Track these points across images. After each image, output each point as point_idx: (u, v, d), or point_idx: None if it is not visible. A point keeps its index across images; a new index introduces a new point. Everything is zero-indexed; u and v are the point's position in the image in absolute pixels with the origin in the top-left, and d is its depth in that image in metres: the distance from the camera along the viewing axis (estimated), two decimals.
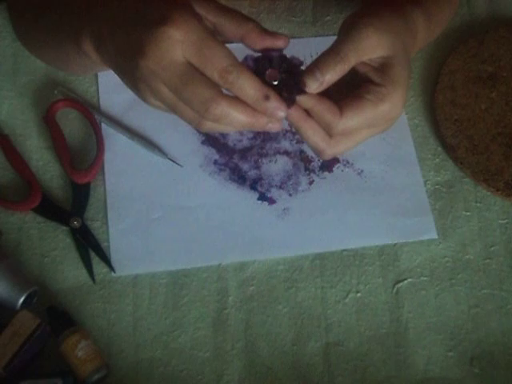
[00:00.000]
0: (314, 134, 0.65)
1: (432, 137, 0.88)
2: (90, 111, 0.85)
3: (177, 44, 0.58)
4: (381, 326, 0.77)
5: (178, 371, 0.74)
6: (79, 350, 0.71)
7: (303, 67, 0.64)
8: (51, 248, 0.79)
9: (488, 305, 0.79)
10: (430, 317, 0.78)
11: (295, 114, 0.64)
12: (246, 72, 0.60)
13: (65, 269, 0.78)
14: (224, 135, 0.86)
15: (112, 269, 0.78)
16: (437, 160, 0.86)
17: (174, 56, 0.58)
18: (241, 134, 0.86)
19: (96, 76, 0.88)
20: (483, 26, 0.95)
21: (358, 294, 0.79)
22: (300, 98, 0.63)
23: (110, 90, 0.87)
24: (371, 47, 0.65)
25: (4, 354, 0.69)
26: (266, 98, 0.60)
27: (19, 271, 0.75)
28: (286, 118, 0.64)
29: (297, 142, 0.86)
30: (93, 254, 0.79)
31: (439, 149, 0.87)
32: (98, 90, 0.88)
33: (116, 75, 0.66)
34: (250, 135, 0.86)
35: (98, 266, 0.78)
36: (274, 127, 0.62)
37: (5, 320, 0.71)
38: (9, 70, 0.89)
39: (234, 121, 0.60)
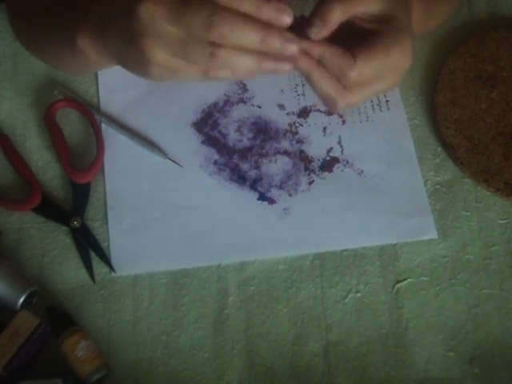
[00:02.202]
0: (326, 83, 0.64)
1: (432, 137, 0.88)
2: (90, 111, 0.85)
3: None
4: (381, 326, 0.77)
5: (178, 371, 0.74)
6: (79, 350, 0.71)
7: None
8: (51, 248, 0.79)
9: (488, 305, 0.79)
10: (430, 317, 0.78)
11: (306, 60, 0.63)
12: None
13: (65, 269, 0.78)
14: (224, 135, 0.86)
15: (112, 269, 0.78)
16: (437, 160, 0.86)
17: None
18: (241, 134, 0.86)
19: (96, 76, 0.88)
20: (483, 26, 0.95)
21: (358, 294, 0.79)
22: (310, 46, 0.62)
23: (110, 90, 0.87)
24: None
25: (4, 354, 0.69)
26: (268, 0, 0.58)
27: (19, 271, 0.75)
28: (297, 66, 0.62)
29: (297, 142, 0.86)
30: (93, 254, 0.79)
31: (439, 149, 0.87)
32: (97, 89, 0.88)
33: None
34: (250, 135, 0.86)
35: (98, 266, 0.78)
36: (290, 49, 0.59)
37: (5, 320, 0.71)
38: (9, 69, 0.89)
39: (242, 35, 0.57)
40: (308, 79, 0.65)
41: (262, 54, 0.59)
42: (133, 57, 0.63)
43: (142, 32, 0.60)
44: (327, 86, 0.64)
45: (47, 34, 0.76)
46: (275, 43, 0.59)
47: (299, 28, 0.63)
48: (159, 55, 0.61)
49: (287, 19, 0.59)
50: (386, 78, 0.66)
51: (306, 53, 0.63)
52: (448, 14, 0.89)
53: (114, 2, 0.63)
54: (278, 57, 0.60)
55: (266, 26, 0.58)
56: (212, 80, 0.62)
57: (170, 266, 0.79)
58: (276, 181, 0.84)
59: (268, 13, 0.58)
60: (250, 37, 0.58)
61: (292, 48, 0.59)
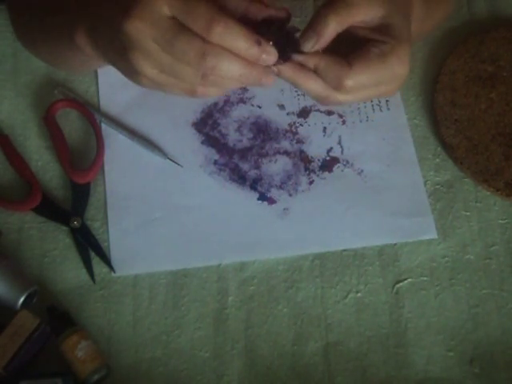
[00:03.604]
0: (313, 84, 0.64)
1: (432, 137, 0.88)
2: (90, 111, 0.85)
3: (162, 1, 0.58)
4: (381, 326, 0.77)
5: (178, 371, 0.74)
6: (79, 350, 0.71)
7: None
8: (51, 248, 0.79)
9: (488, 305, 0.79)
10: (430, 317, 0.78)
11: (287, 68, 0.63)
12: (234, 21, 0.59)
13: (65, 269, 0.78)
14: (224, 135, 0.86)
15: (112, 269, 0.78)
16: (437, 160, 0.86)
17: (160, 12, 0.58)
18: (241, 134, 0.86)
19: (96, 76, 0.88)
20: (483, 26, 0.95)
21: (358, 294, 0.79)
22: (302, 57, 0.63)
23: (110, 90, 0.87)
24: (362, 4, 0.64)
25: (4, 354, 0.69)
26: (258, 42, 0.59)
27: (19, 271, 0.75)
28: (280, 76, 0.63)
29: (297, 142, 0.86)
30: (93, 254, 0.79)
31: (439, 149, 0.87)
32: (97, 90, 0.88)
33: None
34: (250, 135, 0.86)
35: (98, 266, 0.78)
36: (267, 81, 0.61)
37: (5, 320, 0.71)
38: (9, 70, 0.89)
39: (228, 70, 0.59)
40: (295, 84, 0.65)
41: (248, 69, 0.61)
42: (123, 66, 0.63)
43: (130, 46, 0.60)
44: (315, 85, 0.64)
45: (46, 31, 0.76)
46: (256, 77, 0.61)
47: (292, 40, 0.63)
48: (147, 70, 0.61)
49: (272, 60, 0.61)
50: (383, 84, 0.66)
51: (300, 64, 0.63)
52: (445, 17, 0.88)
53: (103, 11, 0.63)
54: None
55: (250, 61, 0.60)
56: (198, 98, 0.63)
57: (170, 266, 0.79)
58: (276, 181, 0.84)
59: (256, 55, 0.60)
60: (235, 73, 0.60)
61: (269, 79, 0.62)
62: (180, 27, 0.58)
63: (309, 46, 0.63)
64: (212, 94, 0.63)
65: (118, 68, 0.65)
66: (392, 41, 0.65)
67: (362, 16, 0.65)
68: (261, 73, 0.61)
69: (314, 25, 0.63)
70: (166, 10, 0.58)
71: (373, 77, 0.64)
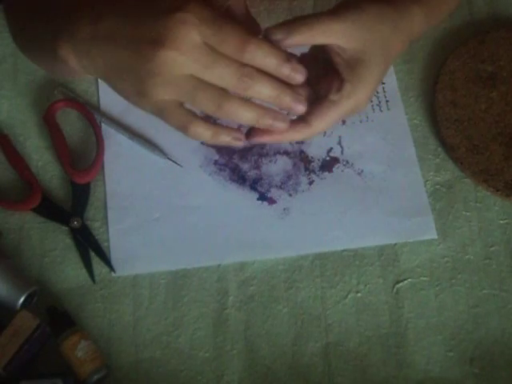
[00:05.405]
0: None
1: (432, 137, 0.88)
2: (89, 111, 0.85)
3: (193, 27, 0.57)
4: (381, 326, 0.77)
5: (178, 371, 0.74)
6: (79, 350, 0.71)
7: None
8: (51, 248, 0.79)
9: (488, 305, 0.79)
10: (430, 317, 0.78)
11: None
12: (264, 40, 0.60)
13: (65, 269, 0.78)
14: None
15: (112, 269, 0.78)
16: (437, 160, 0.86)
17: (194, 39, 0.58)
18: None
19: None
20: (483, 26, 0.95)
21: (358, 294, 0.79)
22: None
23: (110, 89, 0.87)
24: (340, 33, 0.64)
25: (4, 354, 0.69)
26: (288, 60, 0.60)
27: (19, 271, 0.75)
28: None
29: (297, 142, 0.86)
30: (93, 254, 0.79)
31: (439, 149, 0.87)
32: (97, 90, 0.88)
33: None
34: None
35: (98, 266, 0.78)
36: (298, 108, 0.62)
37: (5, 320, 0.71)
38: (9, 69, 0.89)
39: (262, 89, 0.60)
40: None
41: (262, 111, 0.61)
42: (128, 86, 0.62)
43: (154, 72, 0.59)
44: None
45: (34, 38, 0.75)
46: (287, 100, 0.61)
47: None
48: (160, 95, 0.60)
49: (301, 78, 0.61)
50: (341, 118, 0.67)
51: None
52: (450, 12, 0.88)
53: (118, 32, 0.60)
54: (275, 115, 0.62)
55: (283, 83, 0.61)
56: (188, 136, 0.62)
57: (170, 266, 0.79)
58: (276, 181, 0.84)
59: (288, 72, 0.60)
60: (269, 91, 0.60)
61: (300, 108, 0.62)
62: (214, 53, 0.58)
63: (276, 37, 0.62)
64: (202, 137, 0.62)
65: (114, 84, 0.63)
66: (355, 83, 0.65)
67: (339, 43, 0.64)
68: (290, 98, 0.61)
69: (291, 26, 0.63)
70: (198, 37, 0.58)
71: (332, 121, 0.65)
